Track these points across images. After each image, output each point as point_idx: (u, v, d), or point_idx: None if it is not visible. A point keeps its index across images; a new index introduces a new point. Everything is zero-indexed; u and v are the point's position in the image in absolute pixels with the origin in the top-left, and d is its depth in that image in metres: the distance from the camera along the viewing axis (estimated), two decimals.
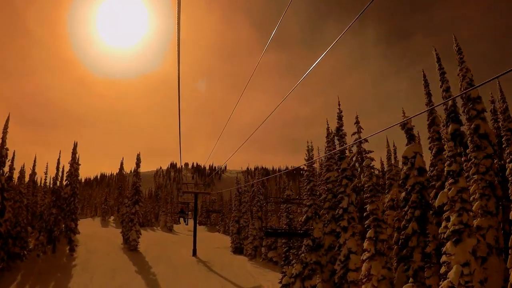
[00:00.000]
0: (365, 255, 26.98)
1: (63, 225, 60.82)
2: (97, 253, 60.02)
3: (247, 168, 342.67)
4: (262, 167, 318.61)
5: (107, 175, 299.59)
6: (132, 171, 71.39)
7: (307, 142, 38.01)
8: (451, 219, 19.91)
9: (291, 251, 37.47)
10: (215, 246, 76.19)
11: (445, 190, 20.67)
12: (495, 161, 26.34)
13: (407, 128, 28.67)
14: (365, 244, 27.06)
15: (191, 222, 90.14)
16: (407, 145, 28.75)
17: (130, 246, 64.45)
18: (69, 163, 64.52)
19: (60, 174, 64.16)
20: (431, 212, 27.26)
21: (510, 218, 22.34)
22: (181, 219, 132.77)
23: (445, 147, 26.52)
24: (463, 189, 20.09)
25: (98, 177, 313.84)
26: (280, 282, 37.73)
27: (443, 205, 21.46)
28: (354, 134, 34.27)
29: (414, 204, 27.22)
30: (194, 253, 65.19)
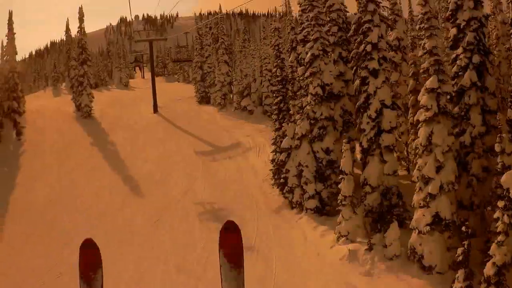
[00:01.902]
0: (422, 115, 18.18)
1: (6, 108, 51.26)
2: (47, 130, 51.56)
3: (200, 13, 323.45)
4: (215, 11, 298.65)
5: (57, 41, 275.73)
6: (77, 28, 60.37)
7: None
8: None
9: (287, 102, 28.60)
10: (178, 98, 67.53)
11: None
12: None
13: None
14: (424, 99, 18.15)
15: (147, 75, 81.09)
16: None
17: (83, 113, 56.62)
18: (6, 35, 54.86)
19: None
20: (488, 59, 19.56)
21: None
22: (137, 73, 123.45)
23: None
24: None
25: (48, 45, 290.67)
26: (275, 143, 29.49)
27: None
28: None
29: (471, 46, 18.92)
30: (155, 109, 56.78)
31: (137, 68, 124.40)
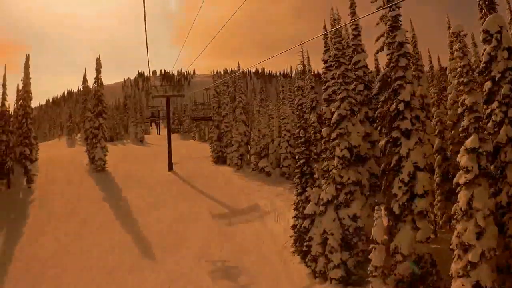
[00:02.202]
0: (462, 177, 16.67)
1: (18, 154, 50.93)
2: (58, 180, 50.56)
3: (217, 72, 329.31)
4: (231, 70, 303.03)
5: (74, 91, 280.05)
6: (93, 79, 59.82)
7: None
8: None
9: (311, 165, 27.00)
10: (193, 156, 66.44)
11: None
12: None
13: None
14: (464, 160, 16.67)
15: (163, 131, 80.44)
16: (483, 17, 18.39)
17: (97, 166, 55.61)
18: (21, 79, 54.38)
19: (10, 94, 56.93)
20: None
21: None
22: (153, 129, 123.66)
23: None
24: None
25: (66, 94, 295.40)
26: (297, 208, 27.73)
27: None
28: None
29: (507, 99, 17.49)
30: (170, 167, 55.73)
31: (153, 124, 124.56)
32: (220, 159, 61.71)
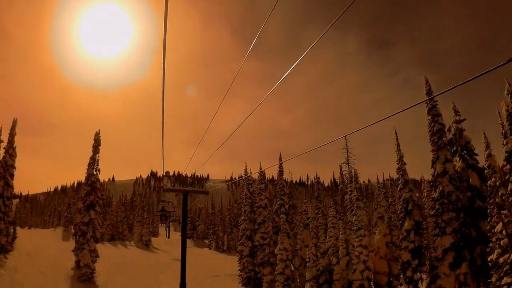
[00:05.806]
0: None
1: None
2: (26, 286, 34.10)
3: (231, 177, 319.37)
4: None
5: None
6: (89, 160, 46.59)
7: None
8: None
9: None
10: (212, 273, 49.61)
11: None
12: None
13: None
14: None
15: (173, 234, 64.99)
16: None
17: (82, 274, 41.06)
18: (4, 148, 43.37)
19: None
20: None
21: None
22: (162, 229, 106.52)
23: None
24: None
25: (75, 185, 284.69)
26: None
27: None
28: None
29: None
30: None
31: (162, 228, 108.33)
32: (252, 281, 44.93)
